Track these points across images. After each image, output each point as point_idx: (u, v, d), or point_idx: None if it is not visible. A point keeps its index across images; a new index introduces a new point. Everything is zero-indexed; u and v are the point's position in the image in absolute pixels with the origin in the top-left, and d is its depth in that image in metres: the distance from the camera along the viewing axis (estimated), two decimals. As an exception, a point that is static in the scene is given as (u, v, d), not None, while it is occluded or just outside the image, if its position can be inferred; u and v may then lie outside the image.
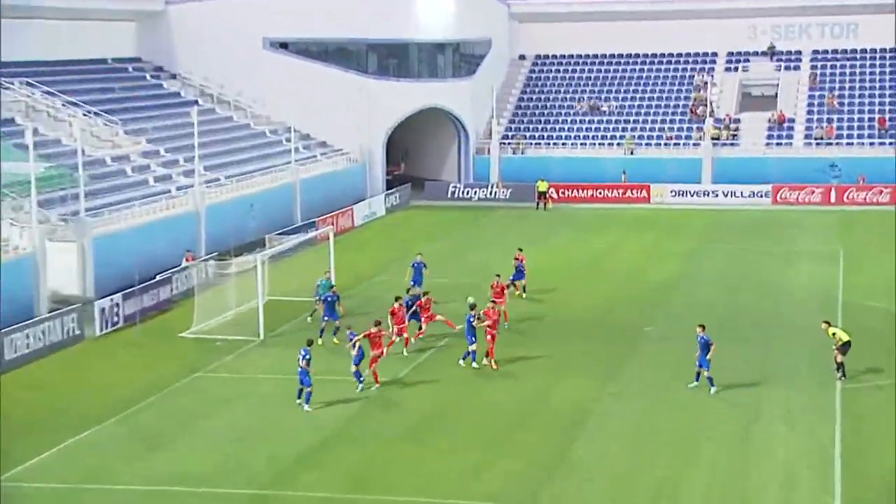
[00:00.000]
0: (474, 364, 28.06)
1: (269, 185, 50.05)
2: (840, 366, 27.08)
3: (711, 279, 39.43)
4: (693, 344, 30.60)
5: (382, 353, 26.39)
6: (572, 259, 44.02)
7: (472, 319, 28.28)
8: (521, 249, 37.35)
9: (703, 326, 26.54)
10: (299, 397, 25.43)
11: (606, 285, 38.55)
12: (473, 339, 28.02)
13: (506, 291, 32.57)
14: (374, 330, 26.57)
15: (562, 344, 30.89)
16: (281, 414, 25.19)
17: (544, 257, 44.04)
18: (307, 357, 25.33)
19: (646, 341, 31.16)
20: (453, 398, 26.23)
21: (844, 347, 27.03)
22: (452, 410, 25.28)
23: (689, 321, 32.85)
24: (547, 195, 57.49)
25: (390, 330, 29.13)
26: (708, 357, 25.97)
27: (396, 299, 30.55)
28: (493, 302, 29.94)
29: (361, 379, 26.50)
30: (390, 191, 59.42)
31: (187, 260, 38.79)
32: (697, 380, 26.37)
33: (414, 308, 30.74)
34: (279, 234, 43.16)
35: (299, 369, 25.40)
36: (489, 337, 28.27)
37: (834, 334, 27.29)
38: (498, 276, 33.13)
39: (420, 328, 30.81)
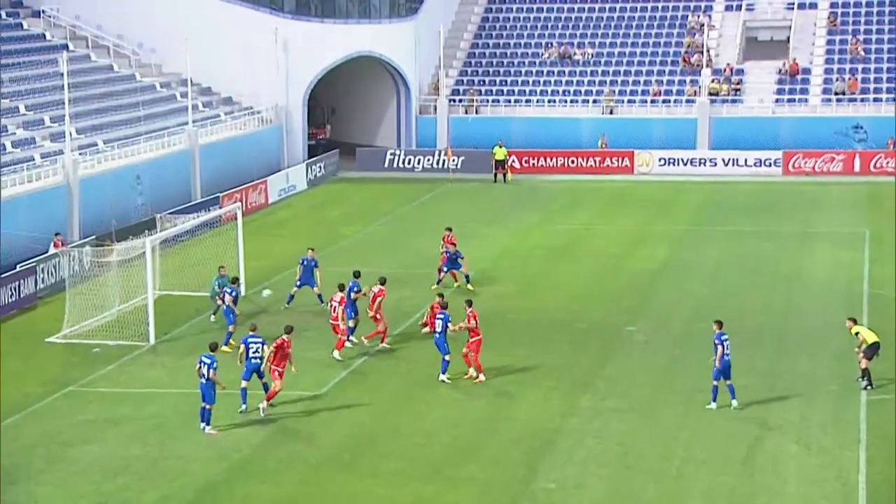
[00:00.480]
0: (444, 377, 28.04)
1: (161, 152, 49.64)
2: (865, 372, 27.45)
3: (708, 269, 39.75)
4: (689, 347, 30.85)
5: (278, 386, 26.08)
6: (538, 244, 44.16)
7: (448, 321, 28.23)
8: (449, 229, 37.37)
9: (719, 323, 26.42)
10: (202, 419, 25.20)
11: (579, 276, 38.72)
12: (447, 346, 28.09)
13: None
14: (285, 338, 26.33)
15: (525, 348, 30.98)
16: (176, 439, 24.93)
17: (504, 241, 44.13)
18: (212, 366, 25.07)
19: (628, 345, 31.34)
20: (390, 417, 26.17)
21: (871, 350, 27.40)
22: (388, 432, 25.22)
23: (681, 320, 33.20)
24: (506, 164, 57.61)
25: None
26: (717, 364, 25.80)
27: (340, 288, 30.69)
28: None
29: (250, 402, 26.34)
30: (313, 159, 59.22)
31: (56, 246, 38.30)
32: (715, 400, 26.19)
33: (355, 298, 30.90)
34: (173, 213, 42.79)
35: (201, 382, 25.16)
36: (473, 341, 28.25)
37: (857, 334, 27.64)
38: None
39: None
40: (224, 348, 30.52)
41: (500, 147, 57.82)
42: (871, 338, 27.60)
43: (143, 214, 45.02)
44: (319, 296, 34.48)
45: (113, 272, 34.29)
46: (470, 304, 28.90)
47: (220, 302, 32.51)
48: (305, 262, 34.77)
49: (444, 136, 62.62)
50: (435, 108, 63.53)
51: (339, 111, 66.79)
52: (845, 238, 43.85)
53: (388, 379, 28.77)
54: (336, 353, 29.93)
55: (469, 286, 35.98)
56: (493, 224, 47.06)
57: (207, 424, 25.19)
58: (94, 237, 39.83)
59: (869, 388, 27.31)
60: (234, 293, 31.74)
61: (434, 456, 23.82)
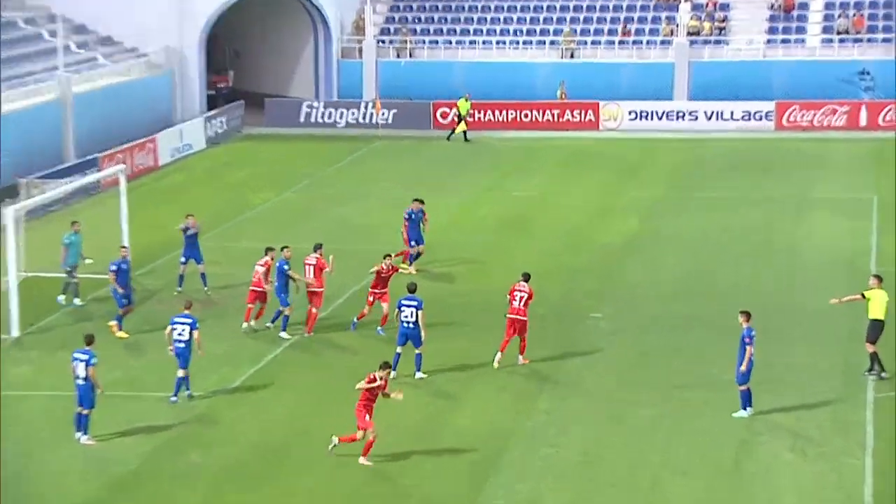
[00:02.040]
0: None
1: (24, 102, 49.13)
2: (873, 358, 27.72)
3: (687, 242, 40.02)
4: (663, 335, 31.07)
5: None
6: (487, 214, 44.19)
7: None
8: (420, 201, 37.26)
9: (747, 315, 26.05)
10: (78, 427, 25.00)
11: (535, 252, 38.81)
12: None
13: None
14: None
15: (471, 340, 31.02)
16: (46, 450, 24.69)
17: (447, 211, 44.06)
18: (90, 362, 24.87)
19: (592, 334, 31.49)
20: (306, 422, 26.11)
21: (873, 332, 27.64)
22: (304, 441, 25.16)
23: (654, 304, 33.43)
24: (466, 120, 57.16)
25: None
26: (745, 367, 25.71)
27: (317, 248, 31.70)
28: None
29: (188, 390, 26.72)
30: (213, 113, 58.89)
31: None
32: (745, 408, 25.99)
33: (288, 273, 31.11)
34: (41, 178, 42.31)
35: (77, 383, 24.94)
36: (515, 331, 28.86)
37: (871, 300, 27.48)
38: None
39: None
40: (119, 334, 30.91)
41: (466, 100, 57.48)
42: (875, 311, 27.66)
43: (4, 179, 44.49)
44: (203, 275, 34.46)
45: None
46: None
47: (73, 278, 32.97)
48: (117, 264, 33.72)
49: (372, 84, 62.40)
50: (360, 52, 63.28)
51: (244, 55, 66.34)
52: (849, 205, 44.31)
53: (305, 376, 28.67)
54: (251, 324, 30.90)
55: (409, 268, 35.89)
56: (434, 190, 46.93)
57: (84, 433, 25.00)
58: (-57, 207, 39.29)
59: (876, 375, 27.59)
60: (118, 268, 31.57)
61: (360, 469, 23.77)
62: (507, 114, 59.86)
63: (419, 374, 28.43)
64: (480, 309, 33.17)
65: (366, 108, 59.79)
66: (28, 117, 48.57)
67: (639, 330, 31.67)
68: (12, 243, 32.14)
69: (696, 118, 59.22)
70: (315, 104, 61.03)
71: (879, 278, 28.54)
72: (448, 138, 57.06)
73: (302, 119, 60.46)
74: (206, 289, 34.57)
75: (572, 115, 59.53)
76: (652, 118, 59.47)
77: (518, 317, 29.04)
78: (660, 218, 43.13)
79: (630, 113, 59.47)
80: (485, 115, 59.71)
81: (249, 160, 54.31)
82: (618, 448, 24.68)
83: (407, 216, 36.58)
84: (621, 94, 60.09)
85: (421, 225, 36.64)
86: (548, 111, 59.65)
